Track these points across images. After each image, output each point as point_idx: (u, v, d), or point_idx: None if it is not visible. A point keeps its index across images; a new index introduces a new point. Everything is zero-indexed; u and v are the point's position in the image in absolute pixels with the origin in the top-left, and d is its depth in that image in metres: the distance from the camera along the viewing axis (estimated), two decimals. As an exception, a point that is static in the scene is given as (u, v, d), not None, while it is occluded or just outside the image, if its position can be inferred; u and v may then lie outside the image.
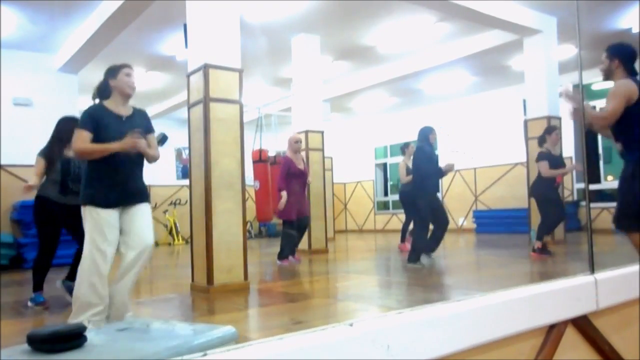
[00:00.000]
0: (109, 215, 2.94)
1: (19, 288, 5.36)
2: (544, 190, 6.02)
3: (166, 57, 8.59)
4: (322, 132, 8.04)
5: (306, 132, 7.83)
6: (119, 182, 3.00)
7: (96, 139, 2.96)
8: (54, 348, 1.56)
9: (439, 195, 8.08)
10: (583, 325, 1.63)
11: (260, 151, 7.13)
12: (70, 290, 4.09)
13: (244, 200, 4.58)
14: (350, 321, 1.09)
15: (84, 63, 7.97)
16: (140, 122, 3.15)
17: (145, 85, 10.16)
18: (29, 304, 3.92)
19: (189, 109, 4.72)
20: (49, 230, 3.97)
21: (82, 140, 2.95)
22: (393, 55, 9.50)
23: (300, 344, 1.00)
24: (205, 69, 4.44)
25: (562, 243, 7.57)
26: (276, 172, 7.19)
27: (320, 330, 1.05)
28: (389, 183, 15.14)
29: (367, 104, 12.99)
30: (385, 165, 15.04)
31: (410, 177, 6.93)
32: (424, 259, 5.66)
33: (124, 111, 3.12)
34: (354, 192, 15.50)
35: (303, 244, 7.65)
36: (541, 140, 6.26)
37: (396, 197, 14.72)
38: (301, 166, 6.36)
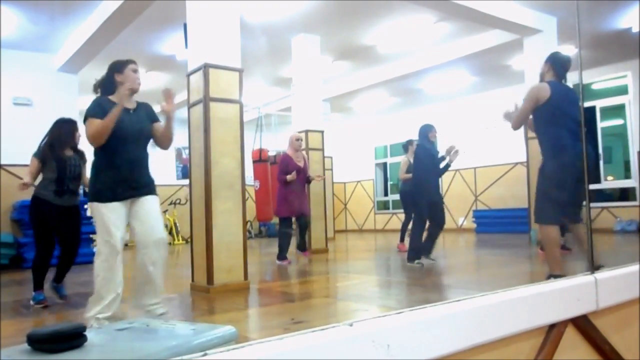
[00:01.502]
0: (116, 209, 2.95)
1: (19, 288, 5.36)
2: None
3: (166, 57, 8.59)
4: (322, 132, 8.04)
5: (306, 131, 7.82)
6: (125, 176, 3.01)
7: None
8: (54, 348, 1.56)
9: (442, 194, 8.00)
10: (583, 325, 1.63)
11: (260, 151, 7.13)
12: (58, 292, 4.11)
13: (244, 200, 4.58)
14: (350, 321, 1.09)
15: (84, 63, 7.97)
16: (147, 113, 3.24)
17: (145, 85, 10.11)
18: (31, 302, 3.94)
19: (189, 108, 4.72)
20: (44, 230, 4.00)
21: (93, 126, 2.95)
22: (393, 55, 9.49)
23: (300, 344, 1.00)
24: (205, 68, 4.44)
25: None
26: (276, 171, 7.20)
27: (320, 330, 1.05)
28: (389, 183, 15.14)
29: (367, 103, 12.99)
30: (385, 165, 15.04)
31: (409, 175, 6.95)
32: (425, 260, 5.64)
33: (130, 105, 3.16)
34: (354, 191, 15.50)
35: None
36: None
37: (396, 196, 14.71)
38: (301, 163, 6.34)
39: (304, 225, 6.54)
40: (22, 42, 7.61)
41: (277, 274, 5.64)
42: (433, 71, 10.00)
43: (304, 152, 6.69)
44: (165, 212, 12.11)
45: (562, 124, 3.53)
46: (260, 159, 7.08)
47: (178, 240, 11.78)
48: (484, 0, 6.86)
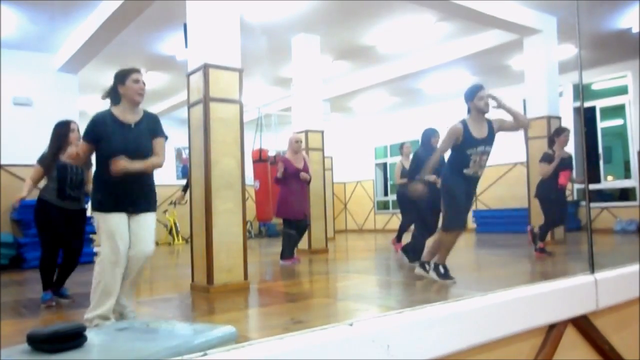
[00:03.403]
0: (118, 219, 2.98)
1: (19, 288, 5.36)
2: (544, 191, 6.02)
3: (166, 57, 8.59)
4: (322, 132, 8.04)
5: (306, 131, 7.82)
6: (125, 189, 3.00)
7: (100, 149, 3.00)
8: (54, 348, 1.56)
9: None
10: (583, 325, 1.63)
11: (260, 151, 7.14)
12: (62, 295, 4.13)
13: (244, 200, 4.58)
14: (350, 321, 1.09)
15: (84, 63, 7.97)
16: (148, 127, 3.13)
17: (145, 85, 10.15)
18: (41, 303, 3.97)
19: (189, 108, 4.72)
20: (49, 232, 4.00)
21: (81, 150, 3.04)
22: (393, 55, 9.49)
23: (300, 344, 1.00)
24: (205, 68, 4.44)
25: (562, 243, 7.56)
26: (276, 171, 7.19)
27: (320, 330, 1.05)
28: (389, 183, 15.14)
29: (367, 103, 12.98)
30: (385, 165, 15.04)
31: (404, 180, 6.89)
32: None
33: (132, 118, 3.09)
34: (354, 191, 15.50)
35: (303, 244, 7.65)
36: (550, 142, 6.22)
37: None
38: (300, 165, 6.32)
39: (302, 229, 6.45)
40: (22, 42, 7.61)
41: (277, 274, 5.65)
42: (433, 71, 9.99)
43: (304, 154, 6.65)
44: (165, 212, 12.13)
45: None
46: (260, 158, 7.08)
47: (178, 240, 11.78)
48: (484, 0, 6.86)
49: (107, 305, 2.95)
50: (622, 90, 10.20)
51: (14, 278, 6.04)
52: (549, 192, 5.97)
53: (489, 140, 4.39)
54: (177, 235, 11.85)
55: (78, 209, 4.09)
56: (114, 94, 3.12)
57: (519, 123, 4.47)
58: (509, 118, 4.44)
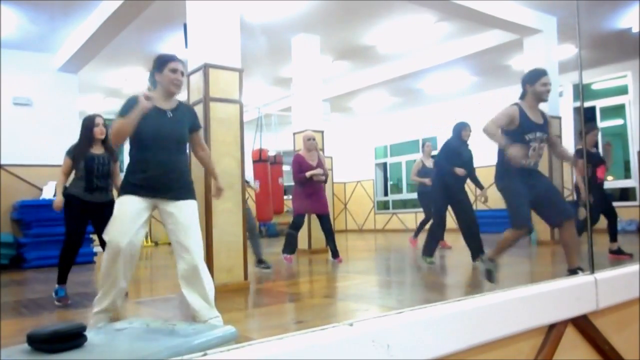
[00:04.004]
0: (136, 204, 2.80)
1: (19, 288, 5.36)
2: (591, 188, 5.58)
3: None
4: (322, 132, 8.04)
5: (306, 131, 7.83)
6: (155, 179, 2.84)
7: (136, 132, 2.82)
8: (54, 348, 1.56)
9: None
10: (583, 325, 1.63)
11: (261, 151, 7.13)
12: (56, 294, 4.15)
13: (244, 200, 4.58)
14: (350, 321, 1.09)
15: (84, 63, 7.97)
16: (185, 117, 3.02)
17: (145, 85, 10.16)
18: (53, 296, 4.01)
19: (189, 108, 4.71)
20: (75, 226, 4.03)
21: (114, 126, 2.80)
22: (393, 55, 9.50)
23: (300, 344, 1.00)
24: (205, 68, 4.44)
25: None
26: (276, 171, 7.18)
27: (320, 330, 1.05)
28: (389, 183, 15.14)
29: (367, 103, 12.99)
30: (385, 165, 15.03)
31: (424, 179, 7.06)
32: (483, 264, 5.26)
33: (168, 105, 2.97)
34: (354, 191, 15.50)
35: (302, 244, 7.64)
36: (579, 137, 6.13)
37: (396, 196, 14.73)
38: (314, 163, 6.26)
39: (328, 230, 6.29)
40: (22, 42, 7.61)
41: (277, 274, 5.64)
42: (433, 71, 9.99)
43: (320, 152, 6.54)
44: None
45: None
46: (260, 158, 7.07)
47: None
48: (484, 0, 6.86)
49: (111, 295, 2.83)
50: (622, 90, 10.20)
51: (14, 278, 6.04)
52: (594, 191, 5.55)
53: (545, 127, 3.78)
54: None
55: (106, 201, 4.08)
56: (152, 79, 3.05)
57: (565, 158, 4.26)
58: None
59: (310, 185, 6.17)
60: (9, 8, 6.48)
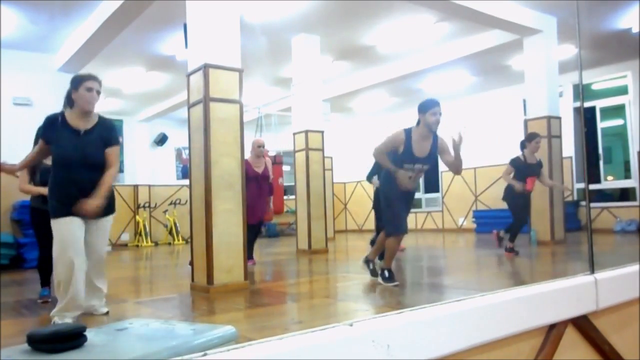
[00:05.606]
0: (71, 224, 3.05)
1: (19, 288, 5.36)
2: (512, 195, 6.34)
3: (166, 57, 8.59)
4: (322, 132, 8.04)
5: (306, 132, 7.83)
6: (77, 194, 3.04)
7: (53, 153, 3.08)
8: (54, 348, 1.56)
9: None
10: (583, 325, 1.63)
11: (260, 151, 7.11)
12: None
13: (244, 200, 4.58)
14: (350, 321, 1.10)
15: (84, 63, 7.96)
16: (101, 135, 3.13)
17: (145, 85, 10.16)
18: (38, 299, 4.15)
19: (189, 108, 4.72)
20: (42, 235, 4.13)
21: (37, 148, 3.20)
22: (393, 55, 9.49)
23: (300, 344, 1.00)
24: (205, 69, 4.44)
25: (562, 243, 7.56)
26: (276, 171, 7.19)
27: (320, 330, 1.05)
28: (389, 183, 15.12)
29: (367, 104, 12.99)
30: (385, 165, 15.02)
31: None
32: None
33: (83, 124, 3.08)
34: (354, 192, 15.50)
35: (303, 244, 7.66)
36: (522, 146, 6.48)
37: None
38: (259, 169, 6.24)
39: (255, 233, 6.34)
40: (22, 42, 7.61)
41: (277, 274, 5.65)
42: (433, 71, 9.99)
43: (267, 159, 6.51)
44: (165, 212, 12.13)
45: None
46: (260, 159, 7.05)
47: (178, 240, 11.77)
48: (484, 0, 6.86)
49: (64, 302, 3.14)
50: (622, 91, 10.20)
51: (14, 278, 6.04)
52: (517, 197, 6.28)
53: (429, 159, 4.16)
54: (177, 235, 11.84)
55: None
56: (68, 98, 3.12)
57: (454, 168, 4.26)
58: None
59: (252, 193, 5.95)
60: (9, 8, 6.48)
